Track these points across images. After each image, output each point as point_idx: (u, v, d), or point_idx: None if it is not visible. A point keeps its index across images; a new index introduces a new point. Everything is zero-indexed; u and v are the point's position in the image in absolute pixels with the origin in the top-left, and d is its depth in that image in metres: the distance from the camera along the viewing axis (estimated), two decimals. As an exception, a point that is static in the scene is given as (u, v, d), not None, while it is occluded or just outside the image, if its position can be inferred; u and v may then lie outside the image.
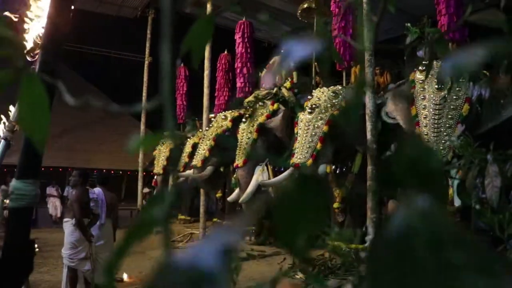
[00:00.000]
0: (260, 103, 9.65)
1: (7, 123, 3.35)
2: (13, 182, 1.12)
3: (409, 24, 7.52)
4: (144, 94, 15.51)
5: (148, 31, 16.19)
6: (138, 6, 16.29)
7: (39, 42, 3.56)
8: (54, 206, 16.89)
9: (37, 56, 3.46)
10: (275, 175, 9.08)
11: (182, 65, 15.13)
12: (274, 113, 9.45)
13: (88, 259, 6.08)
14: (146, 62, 16.17)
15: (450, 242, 0.30)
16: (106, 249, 6.58)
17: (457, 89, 6.51)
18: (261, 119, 9.44)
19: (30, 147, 1.17)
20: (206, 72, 11.52)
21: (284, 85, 9.84)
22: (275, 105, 9.38)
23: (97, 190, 6.69)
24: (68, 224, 6.19)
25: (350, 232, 7.78)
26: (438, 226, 0.32)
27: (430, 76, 6.37)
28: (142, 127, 15.82)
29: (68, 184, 17.82)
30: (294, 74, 10.13)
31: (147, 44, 16.20)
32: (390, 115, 7.31)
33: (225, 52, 13.45)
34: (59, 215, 16.97)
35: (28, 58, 3.51)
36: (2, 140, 3.37)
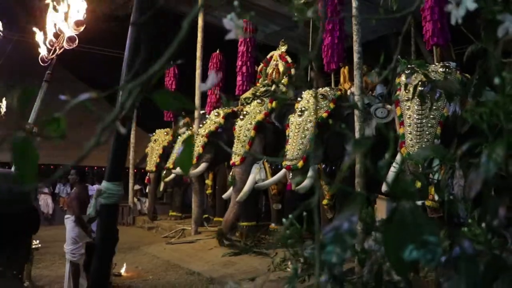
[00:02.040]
0: (258, 100, 9.79)
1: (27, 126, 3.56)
2: (104, 184, 1.39)
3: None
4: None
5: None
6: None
7: (59, 33, 3.79)
8: (45, 203, 16.97)
9: (54, 53, 3.68)
10: (273, 174, 9.22)
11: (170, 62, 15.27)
12: (272, 111, 9.55)
13: (89, 254, 6.28)
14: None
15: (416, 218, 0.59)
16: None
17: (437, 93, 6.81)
18: (259, 116, 9.57)
19: (115, 157, 1.45)
20: (198, 71, 11.75)
21: (282, 81, 10.01)
22: (274, 103, 9.47)
23: (97, 187, 6.90)
24: (69, 221, 6.42)
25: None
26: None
27: (416, 77, 6.66)
28: (133, 125, 15.90)
29: (59, 182, 17.93)
30: (292, 70, 10.29)
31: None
32: (380, 115, 7.60)
33: (217, 51, 13.63)
34: (50, 212, 17.08)
35: (43, 60, 3.74)
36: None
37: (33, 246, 7.02)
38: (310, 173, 7.87)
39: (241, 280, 7.55)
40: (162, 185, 13.69)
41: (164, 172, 13.10)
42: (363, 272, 0.96)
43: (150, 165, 14.17)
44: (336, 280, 0.87)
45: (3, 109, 8.55)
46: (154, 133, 14.57)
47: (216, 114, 11.31)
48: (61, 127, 0.62)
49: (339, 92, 8.40)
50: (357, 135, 7.17)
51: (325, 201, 8.25)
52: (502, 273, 0.65)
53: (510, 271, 0.65)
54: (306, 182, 7.93)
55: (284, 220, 1.01)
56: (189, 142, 0.71)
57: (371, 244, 0.95)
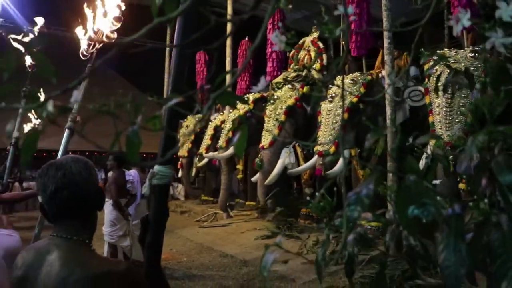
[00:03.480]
0: (289, 85, 9.80)
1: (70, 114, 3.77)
2: (157, 167, 1.59)
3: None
4: (166, 79, 15.85)
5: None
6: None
7: (97, 38, 3.96)
8: (81, 188, 17.51)
9: (93, 50, 3.86)
10: (305, 159, 9.30)
11: (201, 50, 15.43)
12: (303, 96, 9.56)
13: (127, 235, 6.55)
14: (168, 49, 16.50)
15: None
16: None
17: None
18: (290, 101, 9.60)
19: (167, 142, 1.62)
20: (228, 59, 11.93)
21: (314, 67, 10.05)
22: (305, 88, 9.49)
23: (133, 172, 7.17)
24: (107, 204, 6.70)
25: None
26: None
27: (442, 66, 6.64)
28: (163, 110, 16.17)
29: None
30: (324, 55, 10.27)
31: (168, 31, 16.52)
32: (415, 98, 7.60)
33: (246, 38, 13.75)
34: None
35: (83, 54, 3.92)
36: (67, 130, 3.81)
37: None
38: (341, 159, 7.94)
39: (274, 262, 7.72)
40: (194, 170, 13.98)
41: (198, 157, 13.36)
42: (385, 238, 1.09)
43: (182, 150, 14.46)
44: (361, 237, 1.02)
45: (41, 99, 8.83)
46: (185, 119, 14.83)
47: (245, 99, 11.47)
48: (159, 122, 0.79)
49: (369, 77, 8.41)
50: (387, 119, 7.21)
51: (359, 184, 8.34)
52: (490, 228, 0.81)
53: (498, 226, 0.80)
54: (336, 168, 8.00)
55: (317, 194, 1.15)
56: (243, 127, 0.84)
57: (391, 214, 1.07)
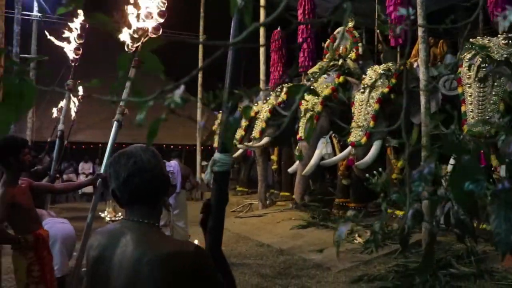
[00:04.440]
0: (325, 75, 9.81)
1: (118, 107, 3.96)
2: (217, 155, 1.72)
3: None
4: (200, 72, 16.00)
5: (201, 10, 16.64)
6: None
7: (136, 36, 4.13)
8: (117, 179, 17.91)
9: (138, 44, 4.03)
10: (341, 149, 9.35)
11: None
12: (339, 86, 9.56)
13: (167, 226, 6.74)
14: (201, 39, 16.65)
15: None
16: (182, 217, 7.28)
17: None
18: (326, 91, 9.59)
19: (226, 132, 1.75)
20: (262, 49, 12.02)
21: (349, 56, 10.07)
22: (341, 78, 9.49)
23: (173, 163, 7.36)
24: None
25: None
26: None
27: (475, 55, 6.61)
28: (199, 103, 16.38)
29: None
30: (360, 45, 10.25)
31: (201, 23, 16.67)
32: (449, 87, 7.57)
33: (278, 28, 13.83)
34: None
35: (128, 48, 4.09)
36: (115, 122, 4.01)
37: (117, 218, 7.61)
38: (372, 149, 8.00)
39: (309, 251, 7.86)
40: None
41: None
42: (436, 213, 1.20)
43: (217, 142, 14.63)
44: (417, 213, 1.12)
45: (81, 93, 9.11)
46: (220, 111, 14.99)
47: (279, 90, 11.62)
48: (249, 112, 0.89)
49: (402, 67, 8.40)
50: (422, 109, 7.21)
51: (394, 175, 8.34)
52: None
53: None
54: (367, 158, 8.05)
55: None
56: (310, 117, 0.97)
57: (442, 191, 1.18)
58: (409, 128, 8.13)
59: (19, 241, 3.50)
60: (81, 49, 6.29)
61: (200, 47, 16.51)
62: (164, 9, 3.75)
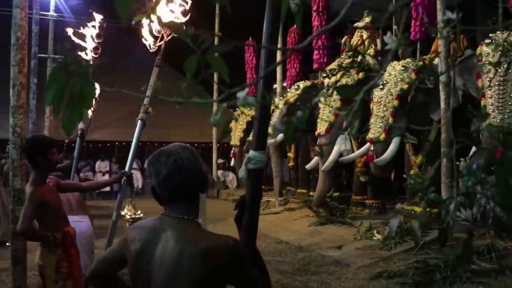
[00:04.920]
0: (344, 71, 9.70)
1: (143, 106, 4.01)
2: (252, 152, 1.75)
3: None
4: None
5: (217, 7, 16.63)
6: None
7: (159, 35, 4.18)
8: (135, 178, 18.07)
9: (161, 43, 4.07)
10: (359, 146, 9.32)
11: (250, 39, 15.55)
12: (359, 82, 9.40)
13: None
14: (216, 38, 16.68)
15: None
16: (201, 214, 7.29)
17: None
18: None
19: (260, 130, 1.78)
20: (278, 46, 11.99)
21: (368, 52, 10.01)
22: (361, 74, 9.43)
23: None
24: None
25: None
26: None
27: (495, 48, 6.54)
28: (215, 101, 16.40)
29: (147, 157, 19.04)
30: (378, 40, 10.17)
31: (216, 20, 16.67)
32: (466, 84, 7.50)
33: (294, 26, 13.79)
34: (140, 186, 18.21)
35: (151, 47, 4.14)
36: (139, 121, 4.07)
37: (137, 216, 7.68)
38: (391, 146, 7.98)
39: (328, 248, 7.87)
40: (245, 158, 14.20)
41: (246, 145, 13.59)
42: (473, 210, 1.22)
43: (235, 139, 14.71)
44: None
45: (97, 91, 9.19)
46: (237, 109, 15.05)
47: (295, 87, 11.62)
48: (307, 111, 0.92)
49: (421, 63, 8.33)
50: (442, 105, 7.18)
51: (412, 171, 8.30)
52: None
53: None
54: (386, 155, 8.02)
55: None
56: (354, 112, 0.99)
57: (479, 189, 1.20)
58: (429, 125, 8.07)
59: (48, 239, 3.57)
60: (99, 48, 6.36)
61: (216, 43, 16.43)
62: (187, 8, 3.78)
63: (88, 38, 6.32)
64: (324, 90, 9.84)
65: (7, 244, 6.93)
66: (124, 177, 4.07)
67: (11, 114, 4.26)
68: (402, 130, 8.09)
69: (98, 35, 6.25)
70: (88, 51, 6.53)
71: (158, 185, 1.77)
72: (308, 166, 10.68)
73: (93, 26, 6.29)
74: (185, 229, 1.72)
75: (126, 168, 4.20)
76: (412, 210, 8.44)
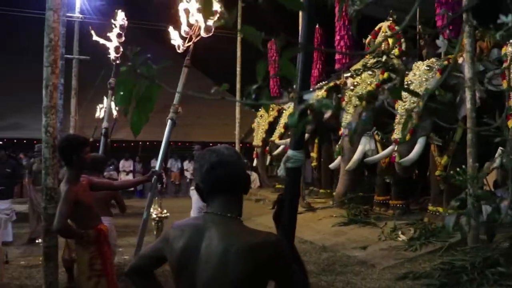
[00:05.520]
0: (369, 71, 9.70)
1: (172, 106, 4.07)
2: (290, 152, 1.79)
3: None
4: (238, 68, 16.03)
5: (239, 6, 16.62)
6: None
7: (187, 36, 4.24)
8: (160, 177, 18.23)
9: (190, 44, 4.12)
10: (383, 146, 9.26)
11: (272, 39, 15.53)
12: (384, 82, 9.38)
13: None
14: (239, 38, 16.69)
15: None
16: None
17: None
18: (370, 88, 9.48)
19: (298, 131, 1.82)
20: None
21: (392, 52, 9.92)
22: (385, 74, 9.37)
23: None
24: (195, 192, 7.03)
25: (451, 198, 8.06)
26: None
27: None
28: (237, 102, 16.47)
29: (171, 157, 19.23)
30: (402, 41, 10.13)
31: (239, 20, 16.67)
32: (495, 82, 7.41)
33: (317, 26, 13.77)
34: (164, 186, 18.36)
35: (179, 50, 4.20)
36: (169, 120, 4.13)
37: (163, 215, 7.77)
38: (416, 146, 7.91)
39: (352, 248, 7.85)
40: (268, 158, 14.24)
41: (269, 146, 13.61)
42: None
43: (257, 140, 14.73)
44: None
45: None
46: (260, 109, 15.08)
47: (318, 87, 11.57)
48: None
49: (446, 62, 8.24)
50: (468, 104, 7.10)
51: (437, 172, 8.22)
52: None
53: None
54: (411, 155, 7.95)
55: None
56: (408, 117, 1.01)
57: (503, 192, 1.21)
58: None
59: (82, 236, 3.65)
60: (121, 48, 6.47)
61: (238, 45, 16.49)
62: (218, 9, 3.83)
63: (113, 38, 6.46)
64: (350, 90, 9.79)
65: (37, 241, 7.07)
66: (155, 176, 4.13)
67: (44, 114, 4.33)
68: (427, 130, 8.01)
69: (119, 35, 6.36)
70: (111, 51, 6.65)
71: (201, 180, 1.82)
72: (331, 166, 10.65)
73: (115, 26, 6.41)
74: (228, 226, 1.75)
75: (156, 167, 4.26)
76: (437, 211, 8.38)
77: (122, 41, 6.49)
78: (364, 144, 9.21)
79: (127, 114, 0.92)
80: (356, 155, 9.21)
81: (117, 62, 6.72)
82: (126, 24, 6.51)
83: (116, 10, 6.50)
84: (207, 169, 1.79)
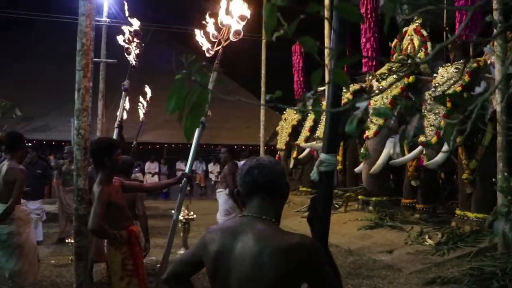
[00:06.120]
0: (394, 75, 9.64)
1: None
2: (323, 155, 1.81)
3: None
4: (263, 71, 16.05)
5: (264, 10, 16.64)
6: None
7: (215, 40, 4.28)
8: (184, 179, 18.36)
9: (219, 48, 4.16)
10: (410, 150, 9.19)
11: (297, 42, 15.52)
12: (409, 86, 9.41)
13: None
14: (264, 41, 16.74)
15: None
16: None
17: None
18: (395, 91, 9.45)
19: (331, 134, 1.84)
20: (326, 50, 11.97)
21: (418, 55, 9.84)
22: (411, 78, 9.31)
23: (243, 162, 7.50)
24: (222, 194, 7.10)
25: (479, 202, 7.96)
26: None
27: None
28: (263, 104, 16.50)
29: (195, 159, 19.38)
30: (428, 44, 10.04)
31: (264, 25, 16.70)
32: None
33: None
34: (191, 188, 18.54)
35: (208, 51, 4.25)
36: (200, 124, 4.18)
37: (189, 217, 7.85)
38: (443, 149, 7.82)
39: (379, 252, 7.80)
40: (291, 161, 14.25)
41: (296, 149, 13.60)
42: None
43: (280, 143, 14.75)
44: None
45: (149, 95, 9.43)
46: (284, 112, 15.09)
47: (344, 90, 11.54)
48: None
49: (475, 65, 8.13)
50: (498, 108, 7.00)
51: (465, 175, 8.12)
52: None
53: None
54: (438, 158, 7.86)
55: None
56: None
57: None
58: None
59: (115, 237, 3.72)
60: (140, 52, 6.63)
61: (263, 48, 16.52)
62: (246, 13, 3.87)
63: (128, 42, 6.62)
64: (377, 92, 9.72)
65: (66, 241, 7.20)
66: (184, 178, 4.18)
67: (76, 116, 4.41)
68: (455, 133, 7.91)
69: (138, 38, 6.51)
70: (132, 56, 6.80)
71: (240, 184, 1.88)
72: (357, 169, 10.62)
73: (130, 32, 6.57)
74: (263, 228, 1.77)
75: (186, 170, 4.32)
76: (464, 216, 8.26)
77: (137, 45, 6.67)
78: (389, 148, 9.16)
79: (181, 121, 0.95)
80: (381, 159, 9.17)
81: (133, 66, 6.89)
82: (140, 31, 6.67)
83: (132, 17, 6.66)
84: (245, 171, 1.85)
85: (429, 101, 8.23)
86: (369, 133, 9.69)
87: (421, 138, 8.10)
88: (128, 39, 6.75)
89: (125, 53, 6.85)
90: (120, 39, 6.86)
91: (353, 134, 0.94)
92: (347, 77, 1.05)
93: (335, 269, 1.88)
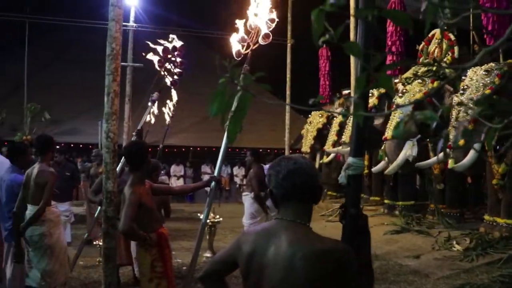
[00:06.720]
0: (419, 80, 9.54)
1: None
2: (351, 159, 1.82)
3: None
4: (288, 75, 16.04)
5: (289, 14, 16.67)
6: (278, -11, 16.79)
7: (243, 44, 4.30)
8: (208, 182, 18.43)
9: (248, 51, 4.18)
10: (434, 151, 9.09)
11: (324, 46, 15.49)
12: (432, 91, 9.15)
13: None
14: (289, 45, 16.74)
15: None
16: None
17: None
18: (418, 95, 9.28)
19: (358, 137, 1.85)
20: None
21: (445, 60, 9.73)
22: (436, 83, 9.18)
23: (268, 165, 7.51)
24: (248, 197, 7.13)
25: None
26: None
27: None
28: (288, 107, 16.50)
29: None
30: (455, 48, 9.91)
31: (289, 27, 16.70)
32: None
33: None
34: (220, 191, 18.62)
35: (238, 55, 4.27)
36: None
37: (215, 220, 7.88)
38: (470, 152, 7.70)
39: (405, 257, 7.72)
40: (317, 165, 14.22)
41: (325, 153, 13.60)
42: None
43: (305, 146, 14.73)
44: None
45: (175, 98, 9.52)
46: (310, 115, 15.07)
47: (370, 94, 11.46)
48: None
49: (506, 67, 7.99)
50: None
51: (495, 181, 7.96)
52: None
53: None
54: (465, 161, 7.73)
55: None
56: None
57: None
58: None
59: (145, 239, 3.76)
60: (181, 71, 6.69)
61: (288, 52, 16.52)
62: (275, 17, 3.88)
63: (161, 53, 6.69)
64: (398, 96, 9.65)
65: (94, 243, 7.30)
66: (213, 182, 4.20)
67: (105, 120, 4.47)
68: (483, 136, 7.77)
69: (174, 49, 6.57)
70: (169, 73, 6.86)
71: (276, 186, 1.86)
72: (374, 170, 10.64)
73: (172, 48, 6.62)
74: (297, 232, 1.78)
75: (215, 173, 4.34)
76: (494, 221, 8.10)
77: (176, 64, 6.70)
78: (406, 150, 9.02)
79: (223, 124, 0.97)
80: (398, 161, 9.09)
81: (161, 76, 6.93)
82: (181, 47, 6.70)
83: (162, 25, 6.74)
84: (284, 175, 1.83)
85: (456, 106, 8.09)
86: (387, 134, 9.59)
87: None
88: (164, 59, 6.76)
89: (157, 67, 6.86)
90: (154, 58, 6.85)
91: (400, 138, 0.94)
92: (392, 81, 1.05)
93: (370, 271, 1.89)
